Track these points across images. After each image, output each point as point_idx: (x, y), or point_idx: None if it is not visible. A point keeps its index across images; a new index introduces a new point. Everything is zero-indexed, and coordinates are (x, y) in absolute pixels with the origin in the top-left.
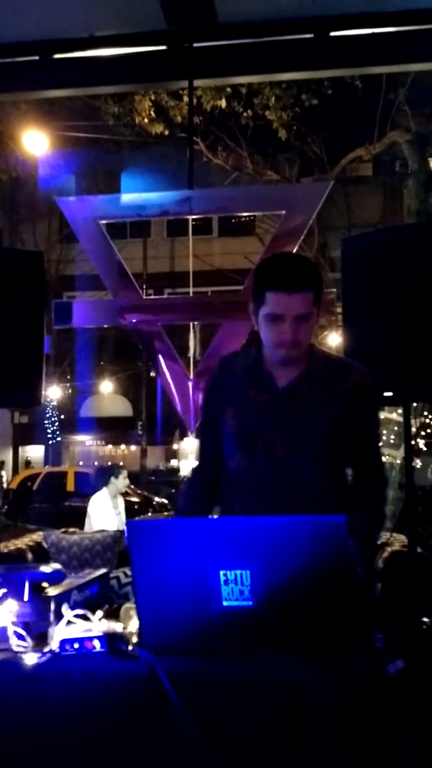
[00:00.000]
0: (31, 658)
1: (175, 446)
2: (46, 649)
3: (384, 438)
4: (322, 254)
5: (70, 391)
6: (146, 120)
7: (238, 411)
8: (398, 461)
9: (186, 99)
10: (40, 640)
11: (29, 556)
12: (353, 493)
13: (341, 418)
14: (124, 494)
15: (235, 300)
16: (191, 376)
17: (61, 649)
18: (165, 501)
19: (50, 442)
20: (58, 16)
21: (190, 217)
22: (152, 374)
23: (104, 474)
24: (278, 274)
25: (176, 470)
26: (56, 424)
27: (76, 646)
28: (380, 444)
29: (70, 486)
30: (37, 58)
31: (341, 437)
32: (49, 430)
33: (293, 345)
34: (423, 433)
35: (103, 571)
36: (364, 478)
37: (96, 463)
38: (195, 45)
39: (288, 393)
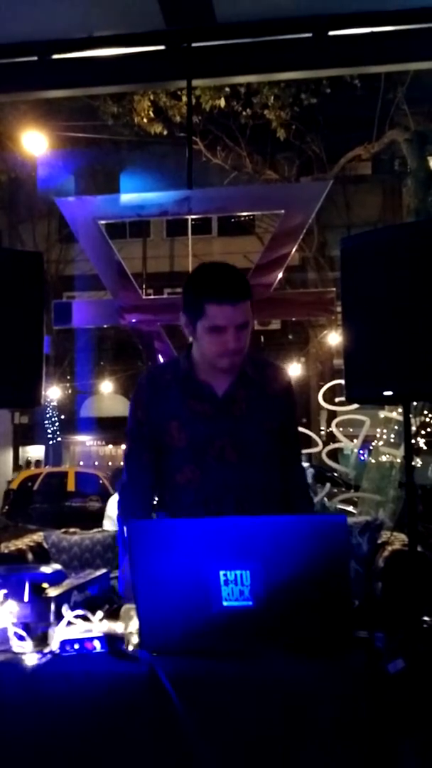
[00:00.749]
0: (31, 659)
1: None
2: (47, 650)
3: (384, 437)
4: (321, 253)
5: (70, 391)
6: (145, 120)
7: (183, 424)
8: (398, 460)
9: (185, 99)
10: (41, 640)
11: (29, 556)
12: (289, 481)
13: (279, 416)
14: None
15: None
16: None
17: (61, 649)
18: None
19: (50, 442)
20: (56, 16)
21: (190, 217)
22: None
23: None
24: (219, 286)
25: None
26: (56, 424)
27: (76, 646)
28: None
29: (71, 486)
30: (35, 58)
31: (279, 432)
32: (49, 431)
33: (236, 352)
34: (423, 432)
35: (103, 571)
36: (295, 466)
37: (111, 464)
38: (194, 45)
39: (228, 399)
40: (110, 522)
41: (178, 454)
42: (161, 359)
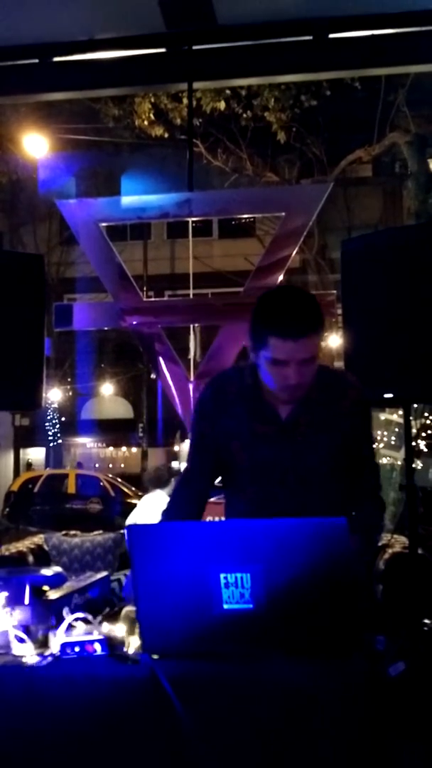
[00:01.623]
0: (32, 662)
1: (176, 448)
2: (47, 653)
3: (384, 439)
4: (322, 256)
5: (70, 393)
6: (146, 122)
7: (245, 445)
8: (399, 462)
9: (185, 101)
10: (41, 643)
11: (30, 558)
12: (354, 520)
13: (344, 437)
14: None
15: (236, 302)
16: (192, 378)
17: (62, 652)
18: None
19: (51, 444)
20: (57, 19)
21: (190, 219)
22: (153, 376)
23: (165, 474)
24: (283, 320)
25: (178, 472)
26: (57, 426)
27: (77, 649)
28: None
29: (71, 488)
30: (36, 61)
31: (345, 457)
32: (50, 433)
33: (298, 387)
34: (423, 434)
35: (104, 574)
36: (365, 502)
37: (154, 465)
38: (194, 47)
39: (292, 423)
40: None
41: (240, 475)
42: (161, 361)
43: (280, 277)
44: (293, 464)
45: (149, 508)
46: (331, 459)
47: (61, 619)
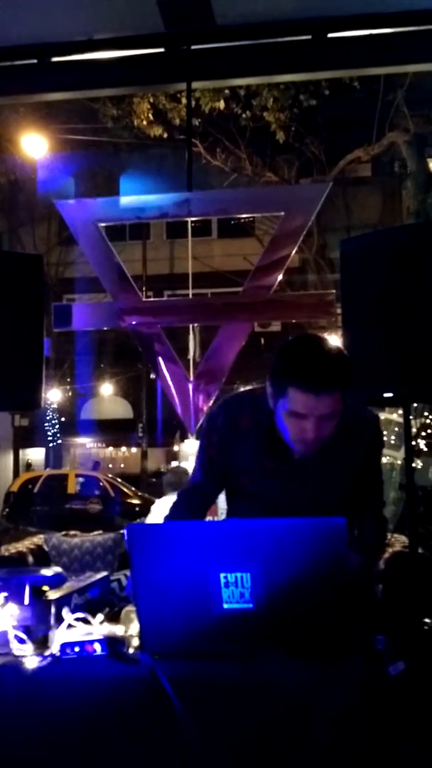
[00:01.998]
0: (31, 662)
1: (175, 448)
2: (47, 653)
3: (385, 439)
4: (321, 255)
5: (70, 393)
6: (145, 122)
7: (254, 480)
8: (399, 462)
9: (184, 101)
10: (41, 643)
11: (30, 559)
12: (356, 536)
13: (357, 474)
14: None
15: (235, 302)
16: (191, 378)
17: (61, 652)
18: None
19: (51, 444)
20: (56, 19)
21: (189, 219)
22: (152, 376)
23: (179, 476)
24: (307, 373)
25: None
26: (57, 426)
27: (76, 649)
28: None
29: (71, 488)
30: (35, 61)
31: (356, 488)
32: (49, 433)
33: (315, 442)
34: (423, 433)
35: (103, 574)
36: (365, 525)
37: (168, 466)
38: (193, 47)
39: (304, 462)
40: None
41: (247, 502)
42: (161, 361)
43: (280, 277)
44: (302, 501)
45: (166, 511)
46: (342, 496)
47: (60, 619)
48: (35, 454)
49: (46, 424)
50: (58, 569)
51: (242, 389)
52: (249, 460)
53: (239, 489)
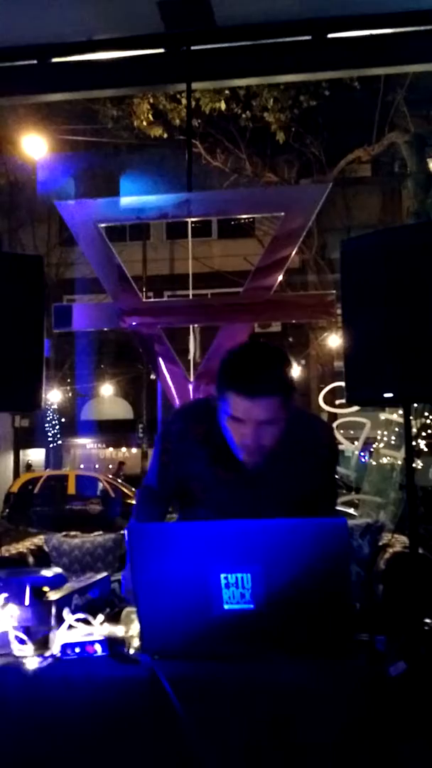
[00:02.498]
0: (32, 663)
1: None
2: (48, 654)
3: (385, 439)
4: (321, 256)
5: (70, 394)
6: (145, 123)
7: (206, 488)
8: (399, 462)
9: (184, 102)
10: (42, 644)
11: (30, 559)
12: None
13: (309, 487)
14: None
15: (235, 302)
16: (191, 379)
17: (62, 653)
18: None
19: (51, 445)
20: (56, 20)
21: (190, 220)
22: (152, 377)
23: None
24: (241, 377)
25: None
26: (57, 427)
27: (77, 650)
28: (336, 487)
29: (71, 489)
30: (35, 62)
31: (308, 499)
32: (49, 434)
33: (255, 450)
34: (424, 433)
35: (104, 574)
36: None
37: None
38: (193, 48)
39: (256, 473)
40: None
41: (198, 508)
42: (161, 362)
43: (280, 277)
44: (252, 510)
45: None
46: (292, 506)
47: (61, 620)
48: (35, 455)
49: (47, 425)
50: (58, 570)
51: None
52: (201, 467)
53: (190, 495)
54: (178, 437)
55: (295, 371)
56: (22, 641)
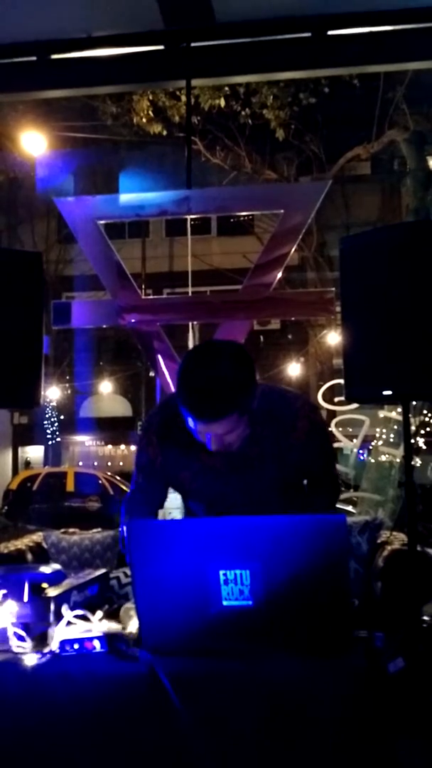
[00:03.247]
0: (31, 659)
1: None
2: (46, 650)
3: (383, 437)
4: (320, 253)
5: (69, 391)
6: (144, 120)
7: (195, 475)
8: (398, 460)
9: (184, 98)
10: (40, 640)
11: (29, 556)
12: (305, 501)
13: (296, 463)
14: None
15: (234, 299)
16: None
17: (61, 649)
18: None
19: (50, 442)
20: (55, 16)
21: (189, 217)
22: (151, 374)
23: None
24: (195, 402)
25: None
26: (56, 424)
27: (76, 646)
28: (334, 465)
29: (70, 486)
30: (34, 58)
31: (298, 477)
32: (48, 431)
33: (223, 449)
34: (422, 431)
35: (103, 571)
36: (317, 488)
37: None
38: (193, 44)
39: (240, 456)
40: None
41: (195, 499)
42: (160, 359)
43: (279, 275)
44: (243, 494)
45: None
46: (281, 486)
47: (60, 617)
48: (34, 452)
49: (45, 422)
50: (57, 566)
51: None
52: (187, 456)
53: (184, 487)
54: (162, 429)
55: (294, 368)
56: (21, 638)
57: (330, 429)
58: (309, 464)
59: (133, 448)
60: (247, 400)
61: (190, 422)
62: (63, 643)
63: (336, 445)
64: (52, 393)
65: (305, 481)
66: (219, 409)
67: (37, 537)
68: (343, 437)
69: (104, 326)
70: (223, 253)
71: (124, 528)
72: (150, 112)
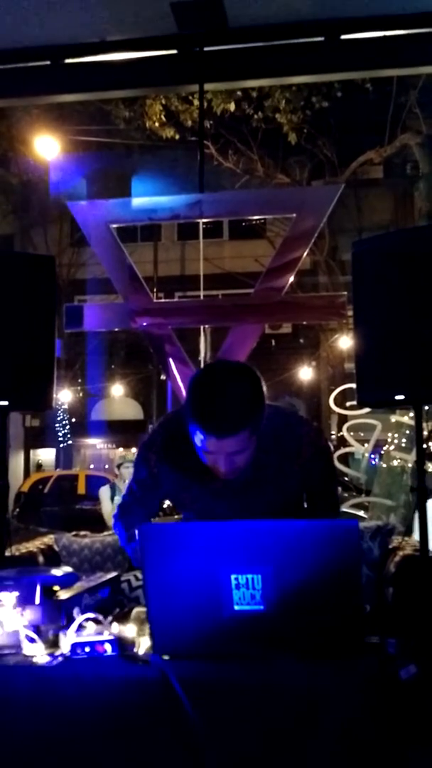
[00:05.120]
0: (42, 662)
1: None
2: (58, 653)
3: (395, 442)
4: (332, 257)
5: (81, 394)
6: (157, 124)
7: (195, 498)
8: (410, 465)
9: (196, 103)
10: (52, 643)
11: (40, 559)
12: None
13: (298, 488)
14: None
15: (246, 303)
16: None
17: (72, 652)
18: None
19: (61, 445)
20: (68, 21)
21: (201, 221)
22: (163, 377)
23: None
24: (208, 419)
25: None
26: (67, 427)
27: (87, 649)
28: (336, 486)
29: (81, 489)
30: (48, 63)
31: (298, 499)
32: (60, 434)
33: (229, 473)
34: None
35: (114, 574)
36: (317, 507)
37: None
38: (206, 49)
39: (243, 482)
40: None
41: (195, 518)
42: (171, 362)
43: (291, 278)
44: (242, 517)
45: None
46: (282, 509)
47: (71, 619)
48: (46, 455)
49: (57, 425)
50: (68, 569)
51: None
52: (189, 479)
53: (185, 505)
54: (163, 448)
55: (306, 373)
56: (32, 640)
57: (342, 433)
58: (310, 485)
59: None
60: (259, 417)
61: (199, 441)
62: (74, 646)
63: (347, 449)
64: (64, 396)
65: (305, 503)
66: (233, 424)
67: (49, 539)
68: (355, 442)
69: (116, 329)
70: (235, 256)
71: (126, 536)
72: (162, 116)
